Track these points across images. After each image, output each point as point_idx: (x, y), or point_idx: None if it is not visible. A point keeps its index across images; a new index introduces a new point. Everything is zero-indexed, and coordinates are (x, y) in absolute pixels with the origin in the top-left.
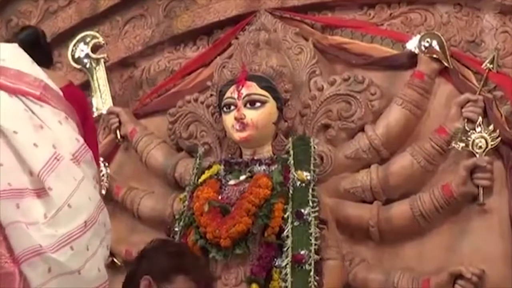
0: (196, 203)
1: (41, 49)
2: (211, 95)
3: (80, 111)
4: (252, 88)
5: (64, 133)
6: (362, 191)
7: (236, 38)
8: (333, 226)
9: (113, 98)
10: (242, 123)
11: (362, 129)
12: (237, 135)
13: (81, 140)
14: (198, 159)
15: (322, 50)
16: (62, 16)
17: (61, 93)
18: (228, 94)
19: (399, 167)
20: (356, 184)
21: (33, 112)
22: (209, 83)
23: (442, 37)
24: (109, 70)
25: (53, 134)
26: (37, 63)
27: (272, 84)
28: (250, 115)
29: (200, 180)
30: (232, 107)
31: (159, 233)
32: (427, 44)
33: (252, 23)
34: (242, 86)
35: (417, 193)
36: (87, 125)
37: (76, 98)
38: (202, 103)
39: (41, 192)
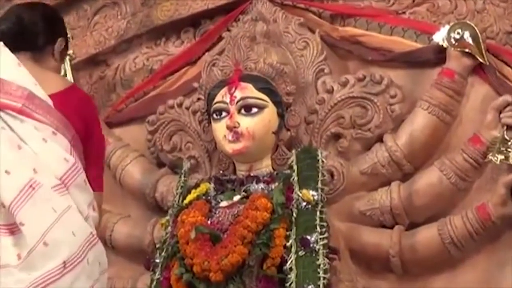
0: (181, 229)
1: (30, 36)
2: (198, 99)
3: (81, 120)
4: (248, 91)
5: (48, 153)
6: (381, 214)
7: (228, 30)
8: (346, 256)
9: None
10: (235, 132)
11: (380, 139)
12: (230, 147)
13: (71, 160)
14: (183, 176)
15: (332, 44)
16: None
17: (50, 102)
18: (218, 97)
19: (425, 184)
20: (374, 205)
21: (11, 129)
22: (195, 85)
23: (475, 28)
24: (75, 69)
25: (34, 155)
26: (29, 51)
27: (272, 85)
28: (245, 123)
29: (185, 202)
30: (224, 114)
31: (137, 265)
32: (457, 36)
33: (247, 12)
34: (236, 88)
35: (447, 215)
36: (93, 138)
37: (78, 104)
38: (187, 108)
39: (14, 228)
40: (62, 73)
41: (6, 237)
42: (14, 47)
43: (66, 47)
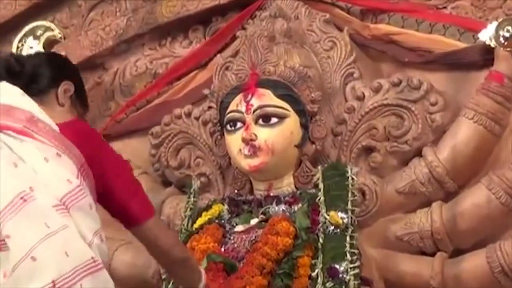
0: None
1: (23, 79)
2: (210, 107)
3: (87, 149)
4: (266, 98)
5: (49, 173)
6: (420, 239)
7: (243, 28)
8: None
9: None
10: (252, 146)
11: (419, 153)
12: (246, 163)
13: (75, 182)
14: (192, 196)
15: (362, 44)
16: (4, 1)
17: (55, 126)
18: (232, 106)
19: (471, 205)
20: (412, 229)
21: (10, 149)
22: (206, 91)
23: None
24: None
25: (32, 173)
26: (29, 94)
27: (294, 91)
28: (264, 135)
29: (195, 226)
30: (239, 124)
31: None
32: (507, 34)
33: (265, 8)
34: (252, 95)
35: (496, 240)
36: (105, 167)
37: (82, 134)
38: (197, 119)
39: (1, 244)
40: None
41: None
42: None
43: (79, 94)
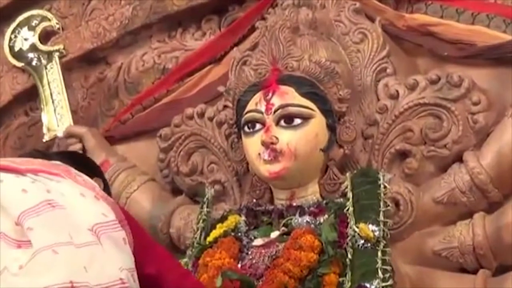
0: (203, 275)
1: None
2: (225, 107)
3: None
4: (288, 96)
5: (84, 204)
6: (461, 255)
7: (263, 18)
8: None
9: (73, 112)
10: (273, 150)
11: (459, 159)
12: (266, 169)
13: (111, 216)
14: (205, 206)
15: (397, 36)
16: None
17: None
18: (251, 105)
19: None
20: (452, 243)
21: (43, 183)
22: (221, 89)
23: None
24: (66, 69)
25: (66, 200)
26: None
27: (319, 89)
28: (286, 137)
29: (209, 239)
30: (258, 126)
31: None
32: None
33: None
34: (273, 93)
35: None
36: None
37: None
38: (210, 119)
39: (22, 243)
40: (51, 73)
41: (11, 248)
42: None
43: (106, 191)
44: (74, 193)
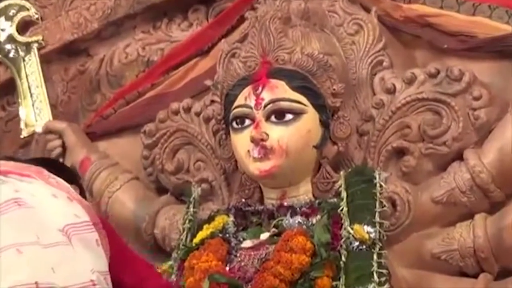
0: (189, 278)
1: None
2: (212, 101)
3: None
4: (279, 90)
5: (55, 205)
6: (461, 258)
7: (253, 8)
8: None
9: (53, 106)
10: (263, 147)
11: (459, 157)
12: (256, 167)
13: (83, 217)
14: (191, 206)
15: (394, 28)
16: None
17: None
18: (240, 100)
19: None
20: (451, 246)
21: (13, 184)
22: (208, 83)
23: None
24: (45, 61)
25: (35, 200)
26: None
27: (312, 83)
28: (276, 134)
29: (195, 241)
30: (247, 122)
31: None
32: None
33: None
34: (263, 87)
35: None
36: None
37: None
38: (197, 114)
39: None
40: (29, 65)
41: None
42: None
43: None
44: (45, 194)
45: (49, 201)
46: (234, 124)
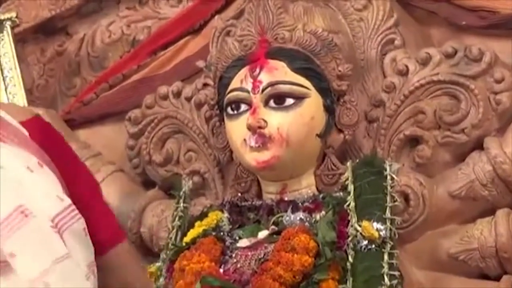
0: (179, 281)
1: None
2: (205, 85)
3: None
4: (279, 72)
5: (36, 186)
6: (482, 258)
7: None
8: None
9: (28, 91)
10: (261, 135)
11: (480, 146)
12: (253, 158)
13: (66, 200)
14: (182, 201)
15: (406, 3)
16: None
17: (25, 131)
18: (235, 83)
19: None
20: (471, 245)
21: None
22: (200, 64)
23: None
24: (20, 41)
25: (17, 184)
26: None
27: (315, 64)
28: (276, 120)
29: (186, 240)
30: (244, 107)
31: None
32: None
33: None
34: (261, 69)
35: None
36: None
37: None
38: (188, 99)
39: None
40: (2, 46)
41: None
42: None
43: None
44: (19, 168)
45: (28, 179)
46: (228, 110)
